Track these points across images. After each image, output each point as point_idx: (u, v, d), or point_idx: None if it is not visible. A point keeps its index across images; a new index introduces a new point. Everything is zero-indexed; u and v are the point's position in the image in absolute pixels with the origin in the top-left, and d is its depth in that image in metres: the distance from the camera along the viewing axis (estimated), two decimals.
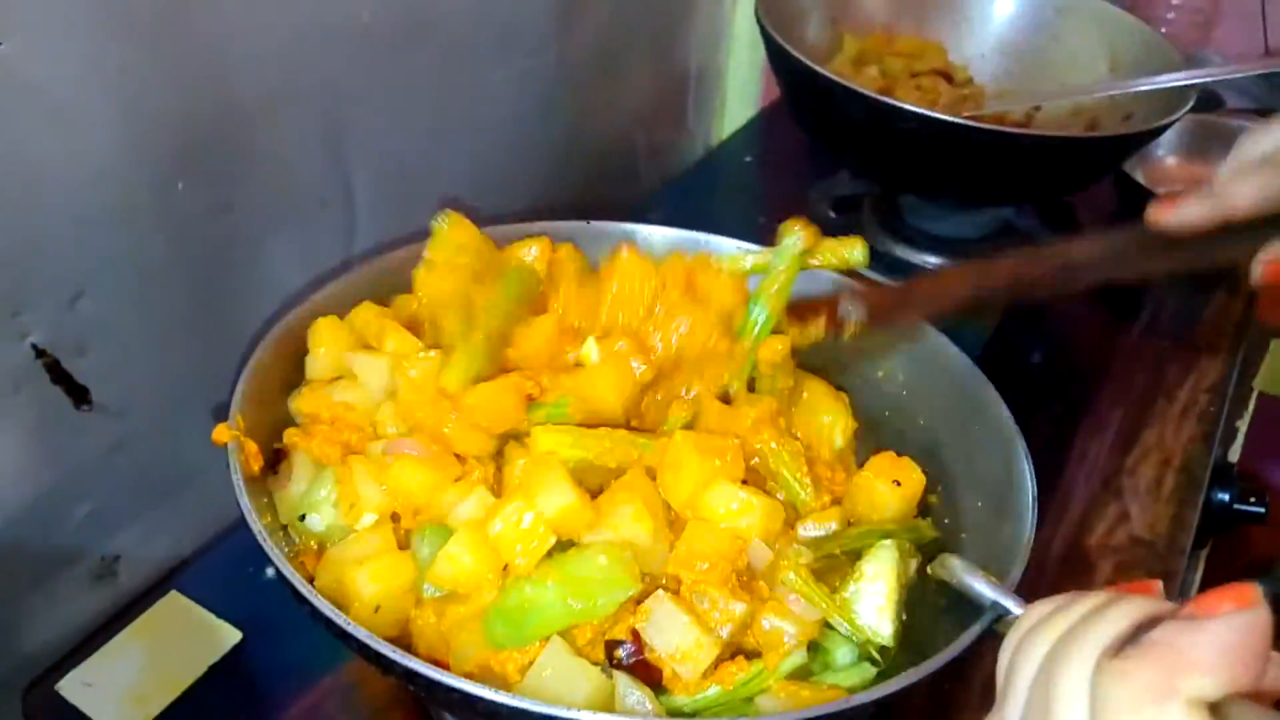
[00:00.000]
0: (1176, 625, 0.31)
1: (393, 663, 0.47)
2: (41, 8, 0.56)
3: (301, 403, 0.65)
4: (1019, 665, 0.35)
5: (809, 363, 0.71)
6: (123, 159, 0.63)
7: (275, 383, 0.66)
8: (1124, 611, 0.33)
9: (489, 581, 0.54)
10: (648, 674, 0.53)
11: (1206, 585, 1.07)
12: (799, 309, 0.66)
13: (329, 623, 0.49)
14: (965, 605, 0.53)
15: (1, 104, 0.56)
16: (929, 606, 0.60)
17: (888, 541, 0.59)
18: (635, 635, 0.54)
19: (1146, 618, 0.33)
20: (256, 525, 0.53)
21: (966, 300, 0.66)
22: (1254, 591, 0.31)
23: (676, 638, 0.53)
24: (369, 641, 0.48)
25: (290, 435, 0.63)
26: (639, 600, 0.55)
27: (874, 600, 0.57)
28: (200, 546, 0.78)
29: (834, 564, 0.60)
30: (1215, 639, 0.30)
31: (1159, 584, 0.39)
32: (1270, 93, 1.55)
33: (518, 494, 0.55)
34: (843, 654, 0.57)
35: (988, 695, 0.37)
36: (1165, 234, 0.61)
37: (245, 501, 0.54)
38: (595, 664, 0.53)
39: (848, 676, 0.55)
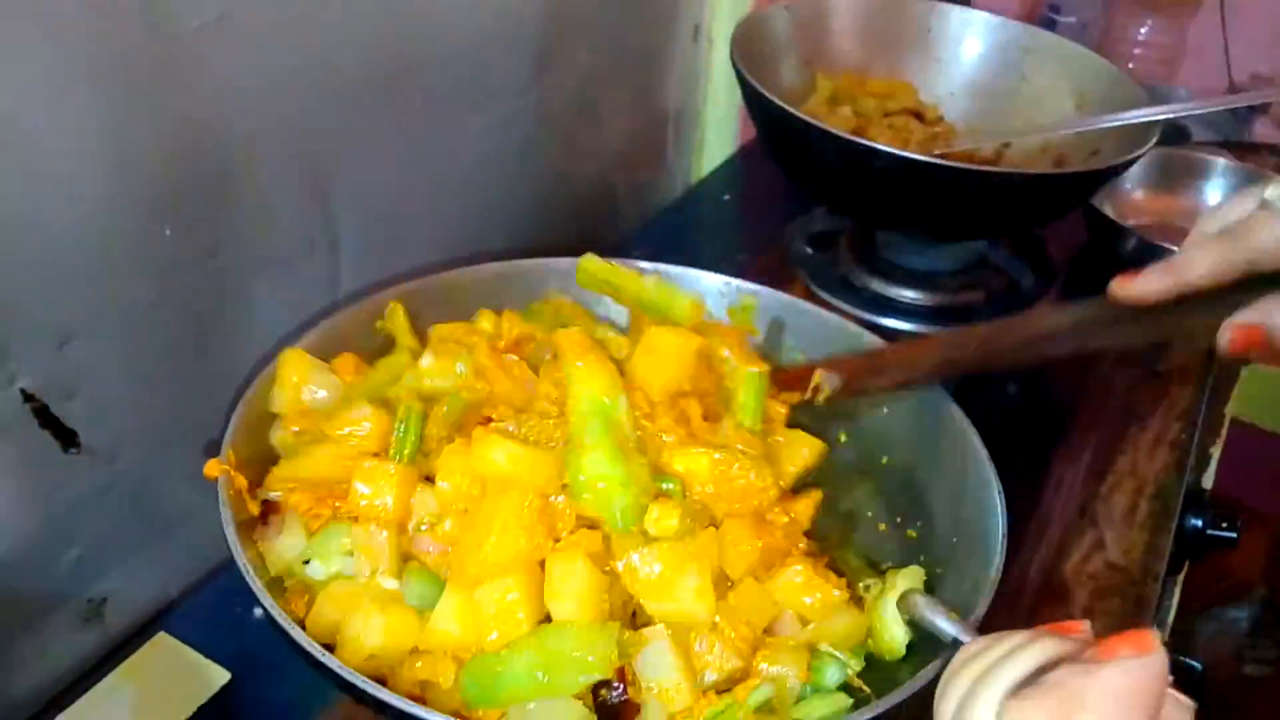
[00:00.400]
0: (1074, 668, 0.33)
1: (380, 702, 0.48)
2: (27, 58, 0.57)
3: (284, 464, 0.66)
4: (941, 704, 0.36)
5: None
6: (110, 205, 0.64)
7: (268, 420, 0.67)
8: (1031, 653, 0.35)
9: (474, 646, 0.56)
10: (626, 715, 0.54)
11: (1183, 610, 1.09)
12: (779, 377, 0.68)
13: (309, 658, 0.50)
14: (934, 640, 0.54)
15: None
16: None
17: (915, 569, 0.61)
18: (622, 674, 0.55)
19: (1051, 659, 0.34)
20: (242, 559, 0.54)
21: (936, 369, 0.69)
22: (1152, 638, 0.33)
23: (661, 676, 0.54)
24: (350, 678, 0.49)
25: (282, 493, 0.64)
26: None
27: (898, 614, 0.59)
28: (188, 588, 0.79)
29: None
30: (1107, 682, 0.32)
31: (1086, 624, 0.40)
32: (1235, 126, 1.59)
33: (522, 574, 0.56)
34: (831, 673, 0.58)
35: None
36: (1129, 306, 0.62)
37: (232, 535, 0.55)
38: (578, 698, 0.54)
39: (820, 707, 0.56)
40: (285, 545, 0.62)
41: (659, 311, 0.75)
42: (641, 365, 0.66)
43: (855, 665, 0.59)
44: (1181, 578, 1.07)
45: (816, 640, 0.59)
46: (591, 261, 0.77)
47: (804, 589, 0.60)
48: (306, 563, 0.62)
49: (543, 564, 0.57)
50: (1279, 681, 1.40)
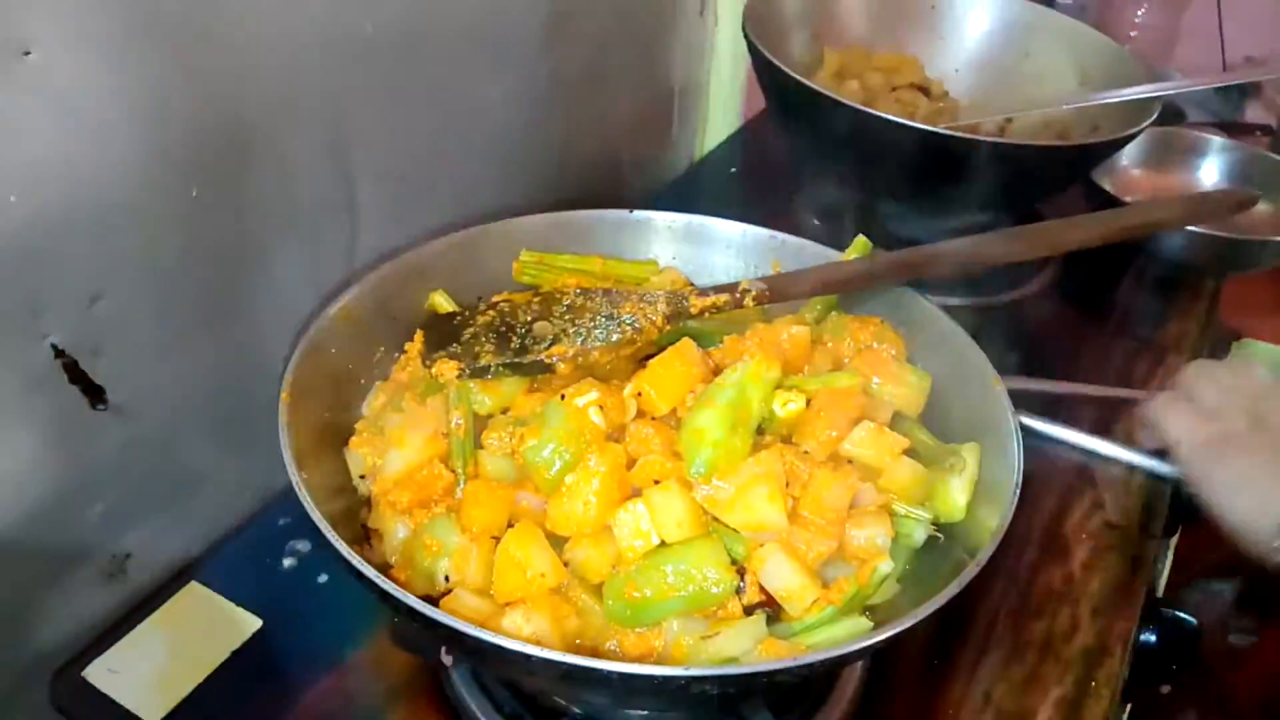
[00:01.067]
0: None
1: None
2: (66, 18, 0.58)
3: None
4: None
5: None
6: (139, 166, 0.65)
7: (330, 356, 0.68)
8: None
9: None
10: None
11: (1176, 573, 1.12)
12: (710, 290, 0.71)
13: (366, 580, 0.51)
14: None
15: (26, 110, 0.58)
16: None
17: (974, 444, 0.66)
18: (741, 572, 0.59)
19: None
20: (297, 478, 0.55)
21: (851, 279, 0.75)
22: None
23: (785, 581, 0.58)
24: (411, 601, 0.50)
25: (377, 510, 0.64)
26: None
27: (962, 483, 0.64)
28: (211, 544, 0.80)
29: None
30: None
31: None
32: (1228, 108, 1.61)
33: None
34: (919, 533, 0.63)
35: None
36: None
37: (289, 456, 0.56)
38: None
39: (840, 630, 0.58)
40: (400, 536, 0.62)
41: (617, 280, 0.79)
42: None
43: (928, 516, 0.63)
44: (1175, 541, 1.09)
45: (887, 494, 0.63)
46: (529, 254, 0.80)
47: (870, 443, 0.64)
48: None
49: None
50: (1261, 652, 1.44)
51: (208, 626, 0.71)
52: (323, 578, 0.75)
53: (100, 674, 0.68)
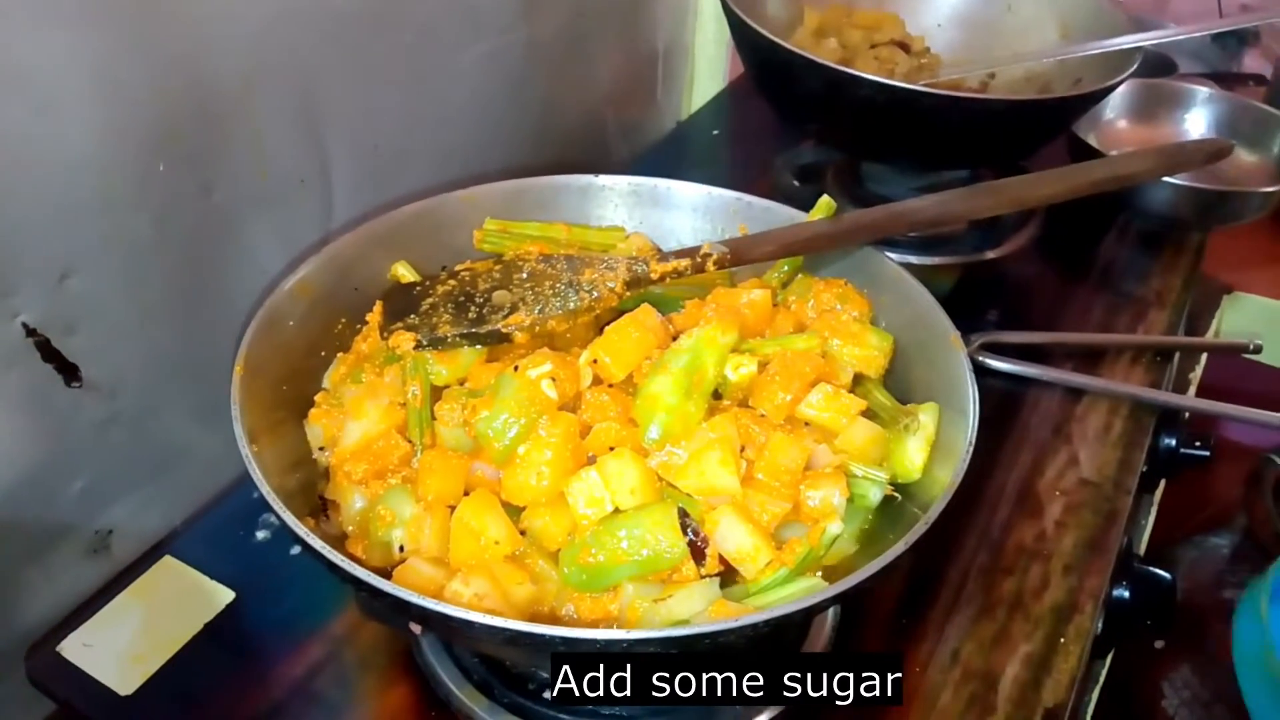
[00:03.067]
0: None
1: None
2: None
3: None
4: None
5: None
6: (105, 142, 0.65)
7: (288, 329, 0.68)
8: None
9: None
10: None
11: (1159, 528, 1.12)
12: (671, 253, 0.71)
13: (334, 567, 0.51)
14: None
15: None
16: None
17: (933, 404, 0.66)
18: (697, 530, 0.59)
19: None
20: (248, 452, 0.55)
21: (812, 240, 0.74)
22: None
23: (738, 543, 0.58)
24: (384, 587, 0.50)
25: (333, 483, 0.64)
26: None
27: (918, 443, 0.64)
28: (192, 516, 0.81)
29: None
30: None
31: None
32: (1224, 59, 1.59)
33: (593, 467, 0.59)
34: (874, 494, 0.62)
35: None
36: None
37: (241, 432, 0.56)
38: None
39: (792, 588, 0.58)
40: (357, 508, 0.62)
41: (582, 247, 0.78)
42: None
43: (884, 476, 0.63)
44: (1158, 497, 1.09)
45: (844, 455, 0.63)
46: (493, 222, 0.79)
47: (827, 405, 0.64)
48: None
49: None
50: None
51: (181, 600, 0.72)
52: (295, 550, 0.75)
53: (75, 648, 0.69)
